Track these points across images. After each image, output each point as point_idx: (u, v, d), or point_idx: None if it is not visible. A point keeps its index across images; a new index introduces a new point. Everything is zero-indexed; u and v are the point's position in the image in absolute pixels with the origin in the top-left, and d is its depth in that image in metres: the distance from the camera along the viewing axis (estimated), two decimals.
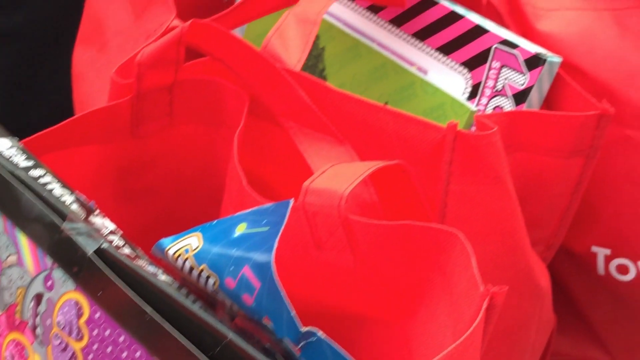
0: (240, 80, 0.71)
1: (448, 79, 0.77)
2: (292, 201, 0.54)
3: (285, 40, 0.72)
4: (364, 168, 0.62)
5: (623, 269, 0.82)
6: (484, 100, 0.75)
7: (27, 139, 0.65)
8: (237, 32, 0.89)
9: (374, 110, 0.69)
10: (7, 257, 0.55)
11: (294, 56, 0.72)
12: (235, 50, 0.69)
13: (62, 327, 0.53)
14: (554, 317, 0.80)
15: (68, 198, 0.55)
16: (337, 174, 0.62)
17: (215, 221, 0.55)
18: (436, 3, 0.78)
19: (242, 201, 0.64)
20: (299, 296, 0.62)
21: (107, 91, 0.71)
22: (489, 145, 0.66)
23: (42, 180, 0.56)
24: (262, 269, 0.51)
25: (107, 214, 0.73)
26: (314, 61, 0.83)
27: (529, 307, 0.74)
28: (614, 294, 0.83)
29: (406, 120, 0.68)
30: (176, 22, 0.76)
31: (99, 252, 0.52)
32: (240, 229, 0.53)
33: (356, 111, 0.69)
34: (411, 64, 0.79)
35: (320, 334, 0.52)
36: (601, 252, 0.82)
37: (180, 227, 0.76)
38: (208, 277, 0.53)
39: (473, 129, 0.72)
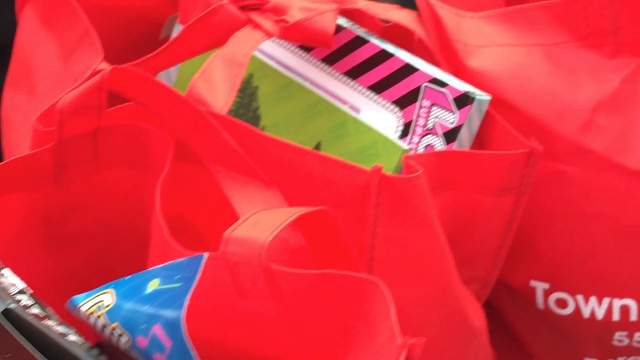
0: (165, 124, 0.70)
1: (380, 117, 0.76)
2: (205, 255, 0.53)
3: (212, 83, 0.72)
4: (286, 215, 0.62)
5: (562, 303, 0.81)
6: (415, 139, 0.75)
7: None
8: (172, 71, 0.88)
9: (300, 153, 0.68)
10: None
11: (220, 99, 0.71)
12: (158, 95, 0.68)
13: None
14: (492, 354, 0.80)
15: None
16: (259, 222, 0.61)
17: (129, 276, 0.54)
18: (367, 41, 0.77)
19: (164, 251, 0.64)
20: (224, 345, 0.62)
21: None
22: (414, 188, 0.66)
23: None
24: (173, 328, 0.50)
25: (36, 262, 0.72)
26: (248, 99, 0.82)
27: (463, 348, 0.73)
28: (554, 328, 0.83)
29: (332, 164, 0.68)
30: (103, 65, 0.75)
31: (6, 312, 0.51)
32: (153, 285, 0.52)
33: (283, 155, 0.69)
34: (344, 102, 0.78)
35: None
36: (540, 286, 0.81)
37: (112, 273, 0.75)
38: (120, 335, 0.52)
39: None
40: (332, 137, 0.78)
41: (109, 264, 0.74)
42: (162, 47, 0.76)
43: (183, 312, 0.50)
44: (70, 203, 0.72)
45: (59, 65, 0.78)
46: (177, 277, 0.52)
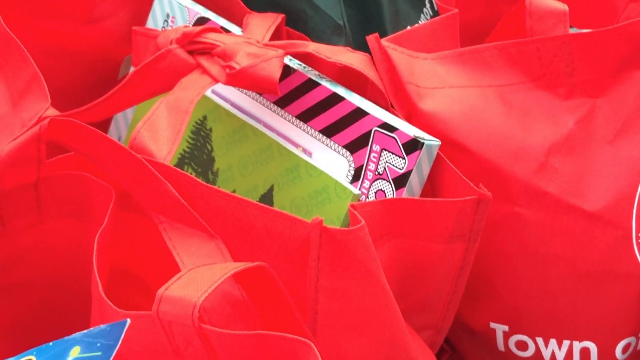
0: (108, 174, 0.69)
1: (332, 161, 0.75)
2: (127, 322, 0.52)
3: (155, 131, 0.71)
4: (220, 272, 0.61)
5: (522, 345, 0.80)
6: (366, 184, 0.74)
7: None
8: (129, 111, 0.87)
9: (241, 205, 0.67)
10: None
11: (164, 148, 0.70)
12: (97, 145, 0.67)
13: None
14: None
15: None
16: (193, 280, 0.60)
17: (52, 343, 0.53)
18: (318, 84, 0.76)
19: (101, 308, 0.63)
20: None
21: None
22: (356, 240, 0.65)
23: None
24: None
25: None
26: (202, 142, 0.81)
27: None
28: None
29: (274, 216, 0.66)
30: (50, 111, 0.74)
31: None
32: (74, 353, 0.51)
33: (226, 206, 0.68)
34: (296, 145, 0.77)
35: None
36: (500, 329, 0.80)
37: (59, 321, 0.74)
38: None
39: None
40: (285, 181, 0.77)
41: (57, 315, 0.73)
42: (111, 91, 0.75)
43: None
44: (14, 253, 0.71)
45: (8, 110, 0.77)
46: (98, 344, 0.51)
